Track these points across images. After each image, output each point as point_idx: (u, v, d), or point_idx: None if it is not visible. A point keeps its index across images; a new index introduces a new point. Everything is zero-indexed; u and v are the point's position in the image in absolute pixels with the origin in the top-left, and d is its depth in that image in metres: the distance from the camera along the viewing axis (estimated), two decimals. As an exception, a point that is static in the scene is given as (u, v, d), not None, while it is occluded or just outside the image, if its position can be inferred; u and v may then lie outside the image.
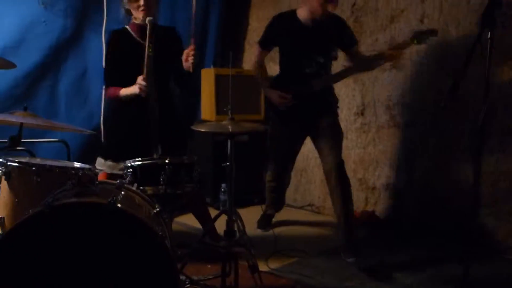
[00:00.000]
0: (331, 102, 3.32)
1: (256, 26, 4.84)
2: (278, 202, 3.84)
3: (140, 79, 2.78)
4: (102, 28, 3.82)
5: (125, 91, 2.88)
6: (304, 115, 3.24)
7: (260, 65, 3.45)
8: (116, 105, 3.06)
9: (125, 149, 2.86)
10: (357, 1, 3.98)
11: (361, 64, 3.23)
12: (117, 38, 3.01)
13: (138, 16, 2.89)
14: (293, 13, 3.22)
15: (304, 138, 3.49)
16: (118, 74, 2.98)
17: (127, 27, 3.00)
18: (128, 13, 2.96)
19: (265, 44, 3.37)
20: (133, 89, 2.82)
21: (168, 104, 3.02)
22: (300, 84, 3.18)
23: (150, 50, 2.76)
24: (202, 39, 4.63)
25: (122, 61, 2.97)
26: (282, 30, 3.24)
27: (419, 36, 2.90)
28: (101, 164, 2.96)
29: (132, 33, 2.97)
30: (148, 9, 2.87)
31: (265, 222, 3.78)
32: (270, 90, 3.29)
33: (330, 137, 3.19)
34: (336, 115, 3.32)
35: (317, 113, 3.23)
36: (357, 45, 3.30)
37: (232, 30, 4.89)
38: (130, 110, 2.94)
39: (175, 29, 3.15)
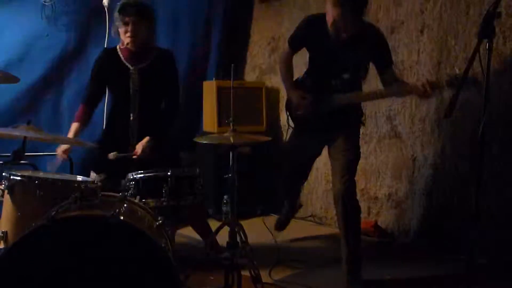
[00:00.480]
0: (354, 116, 3.05)
1: (258, 39, 4.88)
2: (292, 207, 3.70)
3: (61, 152, 2.89)
4: (104, 41, 3.85)
5: (70, 129, 2.98)
6: (323, 126, 2.99)
7: (287, 64, 3.13)
8: (106, 122, 3.23)
9: (103, 162, 2.89)
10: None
11: (392, 92, 2.99)
12: (105, 58, 3.06)
13: (125, 41, 2.93)
14: (324, 18, 2.82)
15: (321, 150, 3.25)
16: (96, 94, 3.11)
17: (118, 47, 3.05)
18: (118, 34, 2.98)
19: (294, 44, 3.09)
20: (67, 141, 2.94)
21: (152, 128, 3.01)
22: (323, 95, 2.94)
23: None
24: (204, 52, 4.66)
25: (105, 82, 3.07)
26: (311, 34, 2.95)
27: (456, 82, 2.59)
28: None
29: (121, 55, 3.01)
30: (135, 37, 2.91)
31: (281, 223, 3.70)
32: (292, 90, 3.03)
33: (343, 158, 2.91)
34: (356, 133, 3.05)
35: (336, 126, 2.96)
36: (392, 66, 2.96)
37: (234, 43, 4.92)
38: (114, 128, 3.07)
39: (171, 53, 3.17)
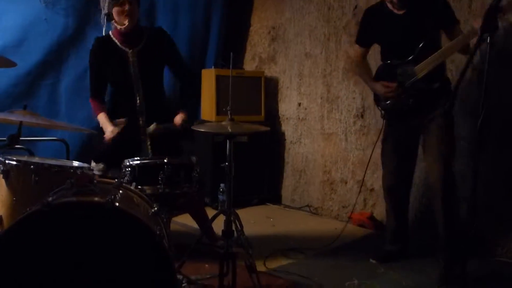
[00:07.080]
0: (443, 92, 2.86)
1: (258, 27, 4.85)
2: (400, 230, 3.21)
3: (113, 130, 2.84)
4: (103, 27, 3.81)
5: (101, 120, 2.98)
6: (414, 108, 2.90)
7: (359, 63, 3.19)
8: (109, 110, 3.12)
9: (105, 152, 2.91)
10: (358, 3, 3.99)
11: (458, 42, 2.77)
12: (100, 46, 3.02)
13: (122, 21, 2.88)
14: (381, 3, 2.96)
15: (419, 136, 3.03)
16: (101, 84, 3.08)
17: (110, 34, 3.02)
18: (109, 18, 2.93)
19: (362, 41, 3.14)
20: (105, 128, 2.91)
21: (158, 108, 3.02)
22: (404, 72, 2.88)
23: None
24: (203, 40, 4.64)
25: (105, 70, 3.01)
26: (374, 24, 3.03)
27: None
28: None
29: (116, 41, 2.99)
30: (133, 16, 2.89)
31: (383, 256, 3.18)
32: (373, 83, 3.05)
33: (438, 143, 2.82)
34: (447, 113, 2.80)
35: (426, 106, 2.86)
36: (458, 25, 2.87)
37: (234, 31, 4.89)
38: (119, 115, 2.96)
39: (162, 29, 3.16)
